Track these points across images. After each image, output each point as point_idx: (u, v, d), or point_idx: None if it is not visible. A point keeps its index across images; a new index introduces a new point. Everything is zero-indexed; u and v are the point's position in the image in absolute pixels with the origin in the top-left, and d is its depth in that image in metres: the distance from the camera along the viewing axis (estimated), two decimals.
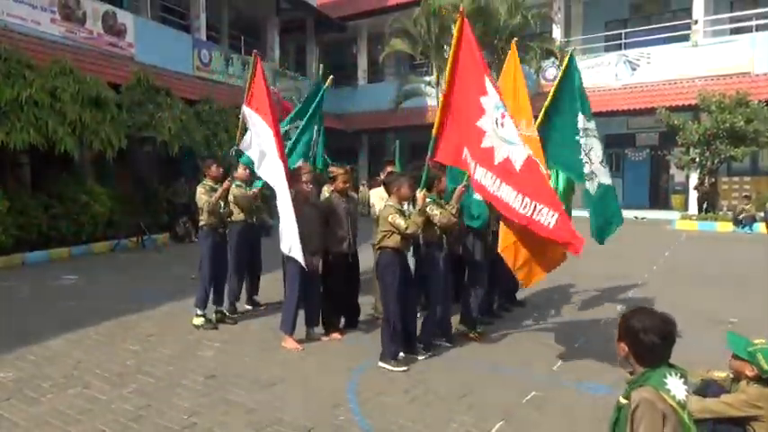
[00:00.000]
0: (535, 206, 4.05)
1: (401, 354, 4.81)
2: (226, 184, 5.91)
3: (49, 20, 12.66)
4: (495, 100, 4.30)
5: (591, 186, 5.15)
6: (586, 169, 5.12)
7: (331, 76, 6.63)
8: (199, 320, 5.84)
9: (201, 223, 5.94)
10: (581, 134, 5.17)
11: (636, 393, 2.16)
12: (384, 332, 4.74)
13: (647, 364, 2.20)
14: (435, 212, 4.76)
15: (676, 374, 2.18)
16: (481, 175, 4.36)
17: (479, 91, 4.37)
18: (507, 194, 4.19)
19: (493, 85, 4.35)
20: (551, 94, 5.38)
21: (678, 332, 2.24)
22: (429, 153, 4.75)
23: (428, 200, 4.88)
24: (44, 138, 9.77)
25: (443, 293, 4.99)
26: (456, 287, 5.68)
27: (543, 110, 5.36)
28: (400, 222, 4.58)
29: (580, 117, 5.22)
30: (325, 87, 6.42)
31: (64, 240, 10.92)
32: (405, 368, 4.59)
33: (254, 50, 5.99)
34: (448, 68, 4.60)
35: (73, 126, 10.30)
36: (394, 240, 4.66)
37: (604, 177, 5.31)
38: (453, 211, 4.77)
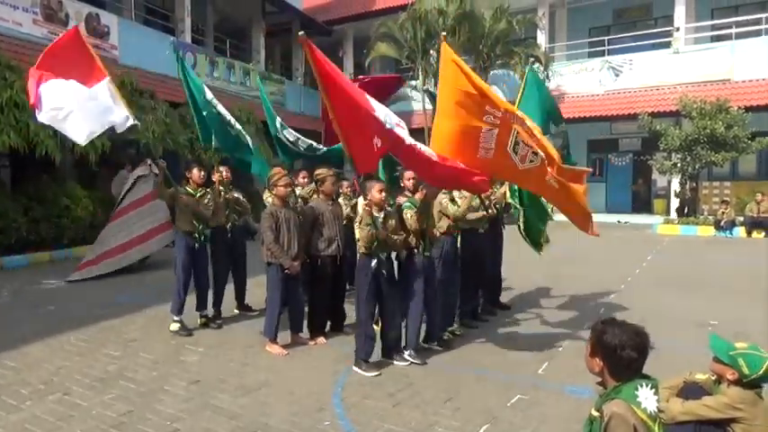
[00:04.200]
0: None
1: (380, 357, 4.85)
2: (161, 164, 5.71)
3: (31, 21, 12.49)
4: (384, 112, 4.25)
5: None
6: None
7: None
8: (174, 326, 5.78)
9: (175, 228, 5.88)
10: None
11: (607, 407, 2.15)
12: (356, 335, 4.77)
13: (623, 378, 2.20)
14: (407, 216, 4.83)
15: (647, 385, 2.17)
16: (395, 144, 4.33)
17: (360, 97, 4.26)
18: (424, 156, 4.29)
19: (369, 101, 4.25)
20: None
21: (651, 344, 2.25)
22: (354, 173, 4.67)
23: (407, 203, 4.91)
24: (25, 140, 9.63)
25: (422, 299, 4.97)
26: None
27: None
28: (357, 230, 4.66)
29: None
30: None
31: (44, 244, 10.75)
32: (376, 373, 4.58)
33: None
34: (322, 92, 4.24)
35: (55, 129, 10.15)
36: (363, 246, 4.68)
37: None
38: (414, 217, 4.79)
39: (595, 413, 2.23)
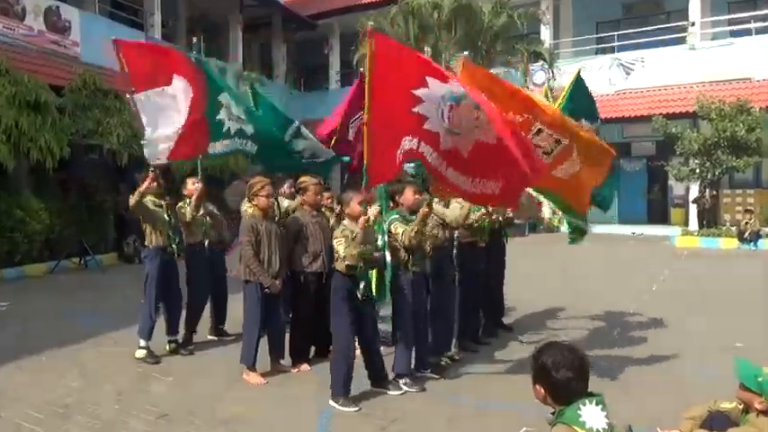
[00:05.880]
0: (482, 182, 4.47)
1: (372, 387, 4.80)
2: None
3: None
4: (444, 91, 4.32)
5: None
6: None
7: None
8: (141, 353, 5.70)
9: (147, 242, 5.82)
10: None
11: None
12: (332, 366, 4.68)
13: (565, 401, 2.24)
14: (398, 230, 4.77)
15: (592, 402, 2.21)
16: (428, 153, 4.50)
17: (410, 85, 4.36)
18: (453, 176, 4.51)
19: (441, 79, 4.33)
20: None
21: (590, 362, 2.27)
22: (363, 184, 4.54)
23: (394, 216, 4.89)
24: None
25: (412, 320, 4.94)
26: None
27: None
28: (338, 247, 4.57)
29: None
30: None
31: None
32: (356, 408, 4.50)
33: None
34: (366, 96, 4.36)
35: (8, 133, 10.09)
36: (341, 264, 4.63)
37: None
38: (414, 229, 4.71)
39: None
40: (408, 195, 4.96)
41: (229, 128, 5.90)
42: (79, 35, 14.58)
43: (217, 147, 5.91)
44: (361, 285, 4.61)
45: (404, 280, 4.91)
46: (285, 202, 6.44)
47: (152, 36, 17.12)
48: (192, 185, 6.23)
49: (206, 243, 6.35)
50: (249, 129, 5.98)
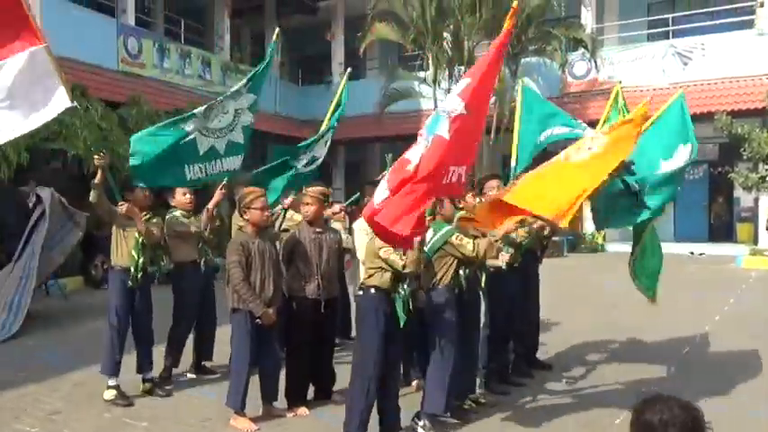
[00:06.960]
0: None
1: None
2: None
3: None
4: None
5: None
6: None
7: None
8: (109, 394, 5.74)
9: (112, 263, 5.90)
10: None
11: None
12: (349, 405, 4.70)
13: None
14: (463, 241, 4.86)
15: None
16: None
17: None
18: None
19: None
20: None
21: (708, 424, 2.24)
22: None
23: (448, 227, 4.96)
24: None
25: (451, 350, 4.96)
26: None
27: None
28: (395, 258, 4.55)
29: None
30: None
31: None
32: None
33: None
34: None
35: None
36: (382, 279, 4.66)
37: None
38: (497, 239, 4.85)
39: None
40: (449, 206, 5.09)
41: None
42: (40, 21, 14.66)
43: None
44: (399, 304, 4.61)
45: (451, 304, 5.00)
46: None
47: (125, 23, 17.36)
48: (183, 195, 6.33)
49: (202, 262, 6.42)
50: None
